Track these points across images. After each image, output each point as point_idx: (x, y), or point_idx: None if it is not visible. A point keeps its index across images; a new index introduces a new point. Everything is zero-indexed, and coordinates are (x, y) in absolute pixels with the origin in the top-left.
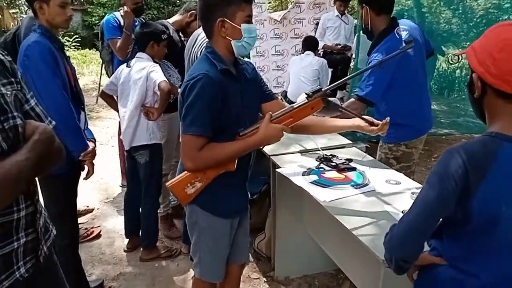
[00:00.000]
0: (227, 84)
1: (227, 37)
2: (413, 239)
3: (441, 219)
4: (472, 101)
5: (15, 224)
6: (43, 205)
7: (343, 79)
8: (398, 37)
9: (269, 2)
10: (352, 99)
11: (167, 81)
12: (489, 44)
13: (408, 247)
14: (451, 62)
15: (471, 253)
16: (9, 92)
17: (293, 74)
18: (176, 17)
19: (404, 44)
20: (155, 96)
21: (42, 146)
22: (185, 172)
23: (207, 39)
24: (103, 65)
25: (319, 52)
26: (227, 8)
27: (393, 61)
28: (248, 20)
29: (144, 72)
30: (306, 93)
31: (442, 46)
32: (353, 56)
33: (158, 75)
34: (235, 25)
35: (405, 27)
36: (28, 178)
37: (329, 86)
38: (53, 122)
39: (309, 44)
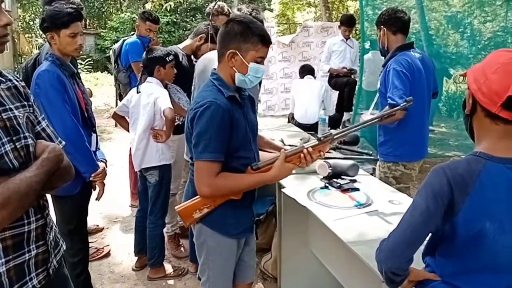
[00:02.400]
0: (233, 109)
1: (233, 68)
2: (400, 253)
3: (431, 235)
4: (464, 118)
5: (26, 236)
6: (54, 222)
7: (352, 128)
8: (413, 54)
9: (278, 26)
10: (387, 107)
11: (172, 108)
12: (486, 65)
13: (395, 260)
14: (456, 81)
15: (461, 269)
16: (21, 114)
17: (298, 98)
18: (186, 42)
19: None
20: (163, 120)
21: (50, 164)
22: (196, 198)
23: None
24: (119, 87)
25: (326, 73)
26: (243, 43)
27: (411, 72)
28: (260, 60)
29: (152, 98)
30: (318, 137)
31: (451, 69)
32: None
33: (163, 102)
34: (244, 61)
35: (419, 51)
36: (36, 193)
37: (340, 135)
38: (63, 142)
39: (306, 70)
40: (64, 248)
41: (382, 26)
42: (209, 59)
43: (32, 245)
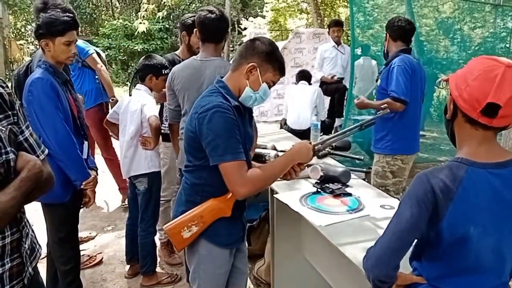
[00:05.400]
0: (237, 117)
1: (247, 81)
2: (387, 261)
3: (416, 241)
4: (445, 123)
5: (0, 251)
6: (32, 229)
7: (341, 134)
8: (413, 58)
9: (270, 32)
10: (388, 99)
11: (157, 116)
12: (468, 71)
13: (382, 268)
14: (439, 87)
15: (446, 272)
16: (4, 128)
17: (291, 103)
18: (181, 48)
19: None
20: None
21: (29, 183)
22: (182, 215)
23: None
24: None
25: (319, 80)
26: (265, 63)
27: (412, 71)
28: (270, 85)
29: (139, 105)
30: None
31: (441, 74)
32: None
33: (149, 110)
34: (260, 79)
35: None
36: (11, 216)
37: (332, 139)
38: (46, 151)
39: (304, 75)
40: (41, 253)
41: (387, 31)
42: (198, 70)
43: (7, 258)
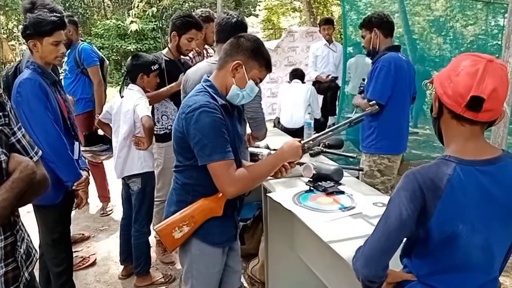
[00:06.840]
0: (224, 117)
1: (233, 79)
2: (376, 260)
3: (406, 239)
4: (432, 121)
5: None
6: (27, 233)
7: (330, 131)
8: (401, 56)
9: (263, 31)
10: (365, 101)
11: (150, 116)
12: (451, 69)
13: (371, 267)
14: (425, 88)
15: (436, 269)
16: None
17: (284, 102)
18: (168, 47)
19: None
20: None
21: (22, 184)
22: (173, 216)
23: None
24: None
25: (313, 79)
26: (251, 60)
27: (398, 70)
28: (257, 82)
29: (132, 105)
30: (299, 141)
31: (434, 72)
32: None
33: (141, 110)
34: (246, 76)
35: (404, 55)
36: (4, 218)
37: (321, 137)
38: (40, 153)
39: (297, 74)
40: (37, 257)
41: (375, 29)
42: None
43: (1, 263)
